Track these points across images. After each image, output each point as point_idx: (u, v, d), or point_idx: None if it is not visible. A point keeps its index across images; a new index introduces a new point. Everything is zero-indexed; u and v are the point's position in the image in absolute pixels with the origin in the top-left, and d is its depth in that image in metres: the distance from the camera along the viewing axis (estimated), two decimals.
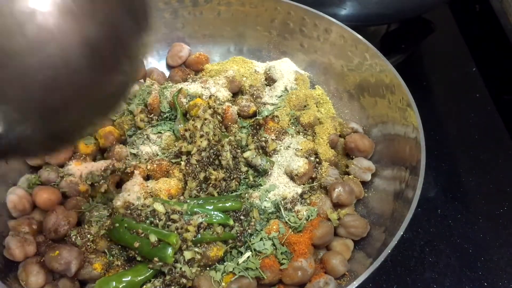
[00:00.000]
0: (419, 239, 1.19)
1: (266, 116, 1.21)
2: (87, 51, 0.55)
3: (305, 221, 1.03)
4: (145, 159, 1.13)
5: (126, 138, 1.19)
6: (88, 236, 0.99)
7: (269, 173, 1.11)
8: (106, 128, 1.17)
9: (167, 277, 0.93)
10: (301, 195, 1.09)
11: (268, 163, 1.10)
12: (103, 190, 1.08)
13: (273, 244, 0.99)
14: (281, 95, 1.28)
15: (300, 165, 1.09)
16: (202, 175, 1.05)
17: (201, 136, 1.08)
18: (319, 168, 1.13)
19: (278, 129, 1.17)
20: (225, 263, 0.97)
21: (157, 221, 0.96)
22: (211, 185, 1.05)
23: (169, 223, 0.96)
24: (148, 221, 0.97)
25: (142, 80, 1.33)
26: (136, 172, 1.09)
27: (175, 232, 0.94)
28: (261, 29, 1.40)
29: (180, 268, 0.93)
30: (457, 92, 1.56)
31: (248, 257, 0.97)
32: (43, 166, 1.13)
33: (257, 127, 1.19)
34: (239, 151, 1.10)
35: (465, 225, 1.22)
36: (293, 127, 1.21)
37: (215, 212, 0.99)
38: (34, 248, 0.99)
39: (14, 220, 1.04)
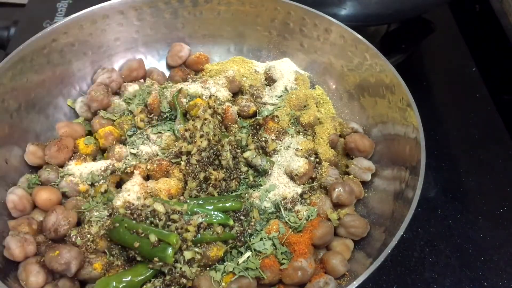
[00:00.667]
0: (419, 239, 1.19)
1: (266, 116, 1.21)
2: None
3: (305, 221, 1.03)
4: (145, 159, 1.13)
5: (126, 138, 1.18)
6: (88, 236, 0.99)
7: (269, 173, 1.11)
8: (106, 128, 1.17)
9: (167, 277, 0.93)
10: (301, 195, 1.09)
11: (268, 163, 1.10)
12: (103, 190, 1.08)
13: (273, 244, 0.99)
14: (281, 95, 1.28)
15: (300, 165, 1.09)
16: (202, 175, 1.05)
17: (201, 136, 1.08)
18: (319, 168, 1.13)
19: (278, 129, 1.17)
20: (225, 263, 0.97)
21: (157, 221, 0.96)
22: (211, 185, 1.05)
23: (169, 223, 0.96)
24: (148, 221, 0.97)
25: (142, 80, 1.34)
26: (136, 172, 1.09)
27: (175, 232, 0.94)
28: (261, 29, 1.40)
29: (180, 268, 0.93)
30: (457, 92, 1.56)
31: (248, 257, 0.97)
32: (43, 166, 1.13)
33: (257, 127, 1.19)
34: (239, 151, 1.10)
35: (465, 225, 1.22)
36: (293, 127, 1.20)
37: (215, 212, 0.99)
38: (34, 248, 0.98)
39: (14, 220, 1.04)
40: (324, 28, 1.31)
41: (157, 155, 1.14)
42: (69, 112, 1.29)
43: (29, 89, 1.19)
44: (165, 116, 1.20)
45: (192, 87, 1.23)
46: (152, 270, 0.95)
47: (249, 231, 1.01)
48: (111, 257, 0.99)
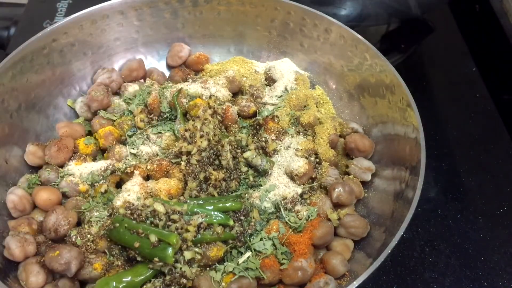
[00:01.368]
0: (419, 239, 1.19)
1: (266, 116, 1.21)
2: None
3: (305, 221, 1.03)
4: (145, 159, 1.13)
5: (126, 138, 1.18)
6: (88, 236, 0.99)
7: (269, 173, 1.11)
8: (106, 128, 1.17)
9: (167, 277, 0.93)
10: (301, 195, 1.09)
11: (268, 163, 1.10)
12: (103, 190, 1.08)
13: (273, 244, 0.99)
14: (281, 95, 1.28)
15: (300, 165, 1.09)
16: (202, 175, 1.05)
17: (201, 136, 1.08)
18: (319, 168, 1.13)
19: (278, 129, 1.17)
20: (225, 263, 0.97)
21: (157, 221, 0.96)
22: (211, 185, 1.05)
23: (169, 223, 0.96)
24: (148, 221, 0.97)
25: (142, 80, 1.34)
26: (136, 172, 1.09)
27: (175, 232, 0.94)
28: (261, 29, 1.40)
29: (180, 268, 0.93)
30: (457, 92, 1.55)
31: (248, 257, 0.97)
32: (43, 166, 1.13)
33: (257, 127, 1.19)
34: (239, 151, 1.10)
35: (465, 225, 1.22)
36: (293, 127, 1.20)
37: (215, 212, 0.99)
38: (34, 248, 0.98)
39: (14, 220, 1.04)
40: (324, 28, 1.31)
41: (157, 155, 1.14)
42: (69, 112, 1.29)
43: (29, 89, 1.19)
44: (165, 116, 1.20)
45: (192, 87, 1.23)
46: (152, 270, 0.95)
47: (249, 231, 1.01)
48: (111, 257, 0.99)
